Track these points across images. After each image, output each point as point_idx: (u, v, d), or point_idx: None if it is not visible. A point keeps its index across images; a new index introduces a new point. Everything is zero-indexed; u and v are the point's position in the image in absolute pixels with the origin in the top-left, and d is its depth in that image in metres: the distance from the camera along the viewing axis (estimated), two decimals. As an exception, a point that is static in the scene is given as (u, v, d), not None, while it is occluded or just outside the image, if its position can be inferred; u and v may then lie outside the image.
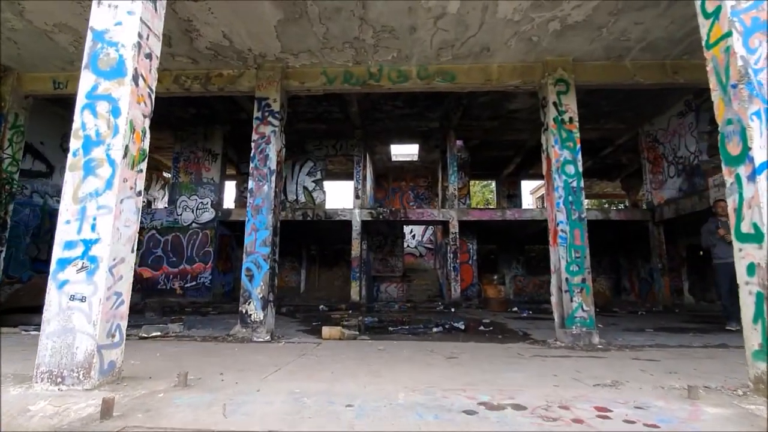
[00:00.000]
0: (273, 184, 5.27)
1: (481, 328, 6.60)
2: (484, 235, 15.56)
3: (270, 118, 5.44)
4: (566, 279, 4.84)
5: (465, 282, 14.29)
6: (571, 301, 4.78)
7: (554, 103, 5.31)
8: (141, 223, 13.52)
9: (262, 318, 4.98)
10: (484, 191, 27.09)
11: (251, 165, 5.37)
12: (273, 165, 5.32)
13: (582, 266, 4.88)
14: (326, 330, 5.27)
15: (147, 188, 17.73)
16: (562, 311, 4.90)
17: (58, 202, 12.01)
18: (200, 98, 13.37)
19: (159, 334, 5.07)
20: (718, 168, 11.82)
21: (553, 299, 5.06)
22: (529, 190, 23.30)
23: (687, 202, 11.88)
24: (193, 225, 13.88)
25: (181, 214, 13.94)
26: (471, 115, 13.87)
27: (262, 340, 4.79)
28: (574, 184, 5.07)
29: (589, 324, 4.75)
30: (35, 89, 6.10)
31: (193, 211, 13.96)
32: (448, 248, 14.16)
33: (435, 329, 6.15)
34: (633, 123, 14.07)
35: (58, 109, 13.75)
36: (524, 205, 20.37)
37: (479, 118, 14.05)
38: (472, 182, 21.25)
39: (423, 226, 20.16)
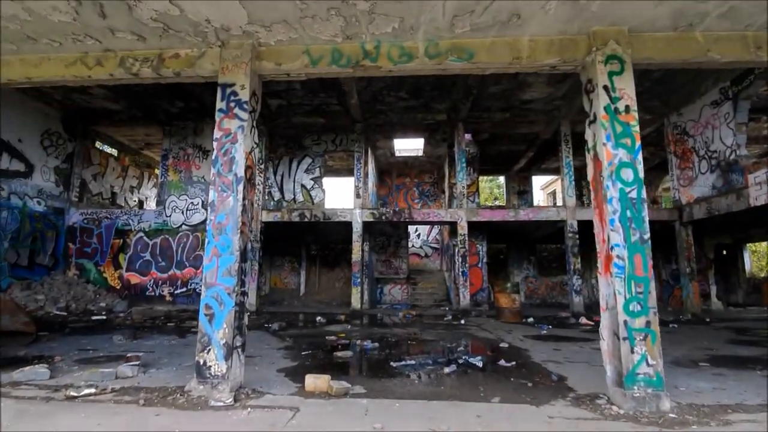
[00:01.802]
0: (240, 196, 3.98)
1: (502, 363, 5.32)
2: (494, 234, 14.24)
3: (237, 110, 4.14)
4: (624, 322, 3.54)
5: (474, 287, 13.02)
6: (632, 351, 3.49)
7: (605, 87, 3.96)
8: (128, 225, 12.27)
9: (224, 371, 3.74)
10: (491, 186, 25.64)
11: (212, 170, 4.07)
12: (240, 170, 4.03)
13: (646, 305, 3.58)
14: (311, 381, 4.02)
15: (138, 187, 16.52)
16: (617, 364, 3.60)
17: (40, 203, 10.69)
18: (187, 90, 12.13)
19: (93, 391, 3.84)
20: (759, 163, 10.41)
21: (604, 345, 3.76)
22: (539, 185, 21.83)
23: (722, 201, 10.47)
24: (183, 227, 12.68)
25: (170, 216, 12.74)
26: (481, 106, 12.48)
27: (222, 403, 3.56)
28: (634, 194, 3.74)
29: (657, 384, 3.46)
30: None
31: (182, 212, 12.74)
32: (456, 250, 12.86)
33: (448, 369, 4.88)
34: (659, 113, 12.61)
35: (40, 104, 12.55)
36: (535, 201, 18.96)
37: (490, 110, 12.66)
38: (480, 178, 19.86)
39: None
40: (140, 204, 16.21)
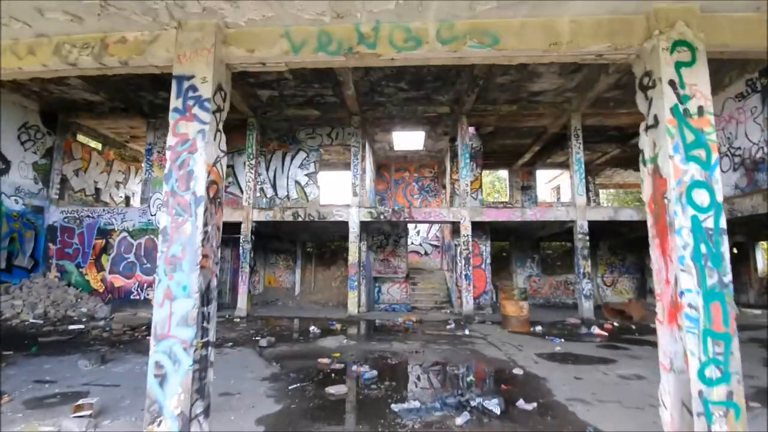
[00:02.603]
0: (201, 221, 3.04)
1: (521, 405, 4.45)
2: (496, 231, 13.35)
3: (197, 110, 3.17)
4: (699, 392, 2.66)
5: (477, 289, 12.16)
6: (709, 430, 2.63)
7: (671, 83, 3.01)
8: (111, 224, 11.29)
9: (179, 450, 2.85)
10: (492, 179, 24.65)
11: (165, 187, 3.13)
12: (201, 188, 3.08)
13: (727, 369, 2.70)
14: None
15: (124, 182, 15.48)
16: (687, 444, 2.72)
17: (17, 201, 9.57)
18: (170, 80, 10.98)
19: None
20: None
21: (665, 416, 2.88)
22: (543, 180, 20.87)
23: (745, 201, 9.57)
24: (169, 226, 11.67)
25: (155, 214, 11.77)
26: (486, 99, 11.46)
27: (173, 498, 2.69)
28: (710, 222, 2.83)
29: (742, 474, 2.60)
30: None
31: (168, 211, 11.72)
32: (458, 251, 11.97)
33: (460, 420, 4.01)
34: (675, 107, 11.56)
35: (17, 96, 11.45)
36: (540, 197, 18.03)
37: (496, 102, 11.65)
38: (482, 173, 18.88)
39: (428, 219, 17.95)
40: (127, 200, 15.21)
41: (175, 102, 3.23)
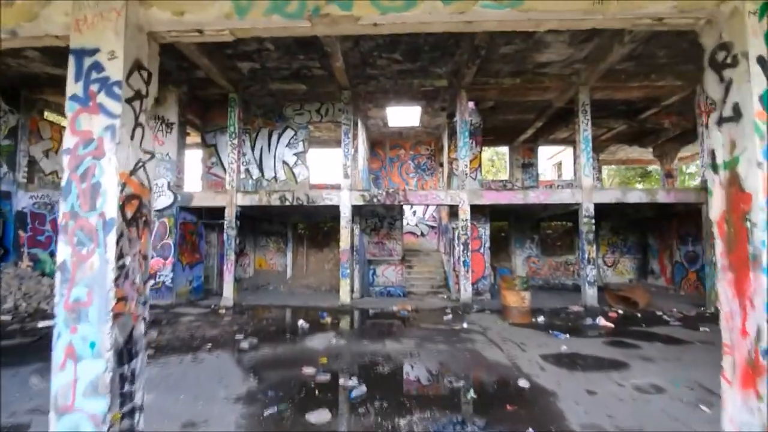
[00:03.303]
0: (113, 253, 2.21)
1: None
2: (495, 212, 12.54)
3: (103, 98, 2.27)
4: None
5: (475, 274, 11.47)
6: None
7: (761, 60, 2.13)
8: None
9: None
10: (491, 154, 23.60)
11: (61, 206, 2.26)
12: (112, 207, 2.22)
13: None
14: None
15: (103, 161, 14.42)
16: None
17: None
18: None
19: None
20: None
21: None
22: (544, 156, 19.90)
23: (765, 184, 8.77)
24: (148, 212, 10.78)
25: (132, 199, 10.79)
26: (488, 71, 10.38)
27: None
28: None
29: None
30: None
31: (146, 195, 10.79)
32: (456, 235, 11.22)
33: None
34: (691, 80, 10.58)
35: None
36: (541, 174, 17.12)
37: (498, 74, 10.57)
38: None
39: (424, 198, 17.07)
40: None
41: (72, 87, 2.31)
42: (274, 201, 10.62)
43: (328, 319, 8.90)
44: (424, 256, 14.50)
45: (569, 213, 12.30)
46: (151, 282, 10.66)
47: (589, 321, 8.81)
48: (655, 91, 11.52)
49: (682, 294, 13.05)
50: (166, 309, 10.19)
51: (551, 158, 20.19)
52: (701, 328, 8.29)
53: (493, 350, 6.71)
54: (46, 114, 12.16)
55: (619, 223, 14.94)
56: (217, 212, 10.98)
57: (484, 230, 11.89)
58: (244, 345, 6.77)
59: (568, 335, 7.62)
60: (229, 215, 10.65)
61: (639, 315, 9.67)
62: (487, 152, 23.30)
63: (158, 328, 8.17)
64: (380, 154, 16.34)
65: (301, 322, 8.43)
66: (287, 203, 10.59)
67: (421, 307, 10.61)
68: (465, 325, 8.48)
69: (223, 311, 9.98)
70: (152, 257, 10.73)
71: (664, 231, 14.10)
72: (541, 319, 8.98)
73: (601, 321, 8.65)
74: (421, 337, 7.60)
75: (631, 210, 13.00)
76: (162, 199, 10.77)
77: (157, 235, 10.73)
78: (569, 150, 17.18)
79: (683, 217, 13.22)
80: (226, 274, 10.62)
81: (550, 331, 7.89)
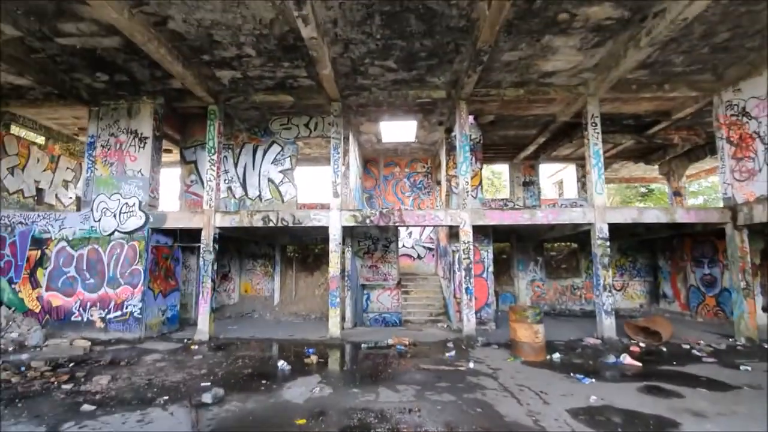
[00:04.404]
0: None
1: None
2: (495, 232, 11.39)
3: None
4: None
5: (478, 301, 10.24)
6: None
7: None
8: (47, 232, 9.06)
9: None
10: (487, 174, 22.62)
11: None
12: None
13: None
14: None
15: (75, 181, 13.19)
16: None
17: None
18: (110, 60, 8.74)
19: None
20: None
21: None
22: (545, 174, 18.93)
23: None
24: (116, 234, 9.59)
25: (99, 220, 9.63)
26: (489, 80, 9.43)
27: None
28: None
29: None
30: None
31: (115, 216, 9.63)
32: (457, 259, 10.03)
33: None
34: (707, 90, 9.66)
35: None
36: (543, 194, 16.06)
37: (500, 84, 9.62)
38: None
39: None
40: (78, 201, 12.94)
41: None
42: (257, 222, 9.42)
43: (314, 358, 7.57)
44: (422, 280, 13.25)
45: (574, 233, 11.19)
46: (117, 313, 9.34)
47: (611, 359, 7.53)
48: (666, 103, 10.61)
49: (699, 321, 11.85)
50: (131, 344, 8.82)
51: (551, 176, 19.22)
52: (741, 367, 7.06)
53: (509, 403, 5.41)
54: (13, 128, 11.02)
55: (627, 243, 13.83)
56: (197, 234, 9.76)
57: (487, 253, 10.72)
58: (207, 398, 5.43)
59: (593, 379, 6.34)
60: (206, 237, 9.41)
61: (664, 349, 8.44)
62: (485, 171, 22.33)
63: (113, 371, 6.82)
64: (374, 173, 15.27)
65: (281, 364, 7.09)
66: (271, 224, 9.39)
67: (420, 339, 9.30)
68: (471, 365, 7.18)
69: (196, 347, 8.62)
70: (119, 285, 9.42)
71: (675, 252, 12.99)
72: (557, 356, 7.71)
73: (626, 359, 7.40)
74: (421, 382, 6.29)
75: (642, 229, 11.91)
76: (132, 221, 9.54)
77: (126, 260, 9.45)
78: (571, 168, 16.23)
79: (697, 237, 12.14)
80: (202, 303, 9.31)
81: (572, 374, 6.62)
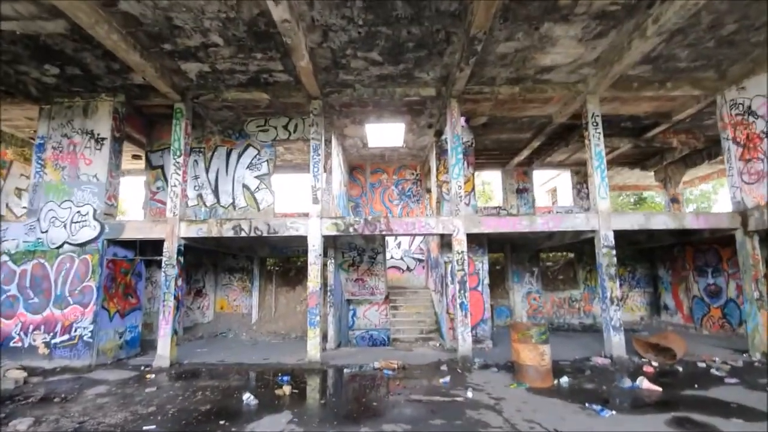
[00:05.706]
0: None
1: None
2: (489, 242, 10.43)
3: None
4: None
5: (474, 317, 9.20)
6: None
7: None
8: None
9: None
10: (478, 181, 21.82)
11: None
12: None
13: None
14: None
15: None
16: None
17: None
18: (57, 49, 7.61)
19: None
20: None
21: None
22: (539, 181, 18.16)
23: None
24: (66, 247, 8.34)
25: (47, 231, 8.38)
26: (483, 76, 8.57)
27: None
28: None
29: None
30: None
31: (65, 226, 8.40)
32: (450, 271, 9.02)
33: None
34: (710, 88, 8.97)
35: None
36: (537, 201, 15.23)
37: (494, 81, 8.77)
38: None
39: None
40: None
41: None
42: (227, 232, 8.29)
43: (287, 389, 6.38)
44: (412, 294, 12.17)
45: (572, 242, 10.31)
46: (64, 337, 8.03)
47: (627, 383, 6.53)
48: (667, 104, 9.90)
49: (705, 333, 10.99)
50: (78, 374, 7.51)
51: (544, 184, 18.48)
52: (769, 389, 6.12)
53: (520, 450, 4.34)
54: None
55: (625, 252, 13.01)
56: (162, 246, 8.56)
57: (482, 264, 9.74)
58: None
59: (613, 411, 5.31)
60: (169, 250, 8.23)
61: (680, 368, 7.48)
62: (477, 179, 21.53)
63: (41, 411, 5.55)
64: (360, 180, 14.28)
65: (247, 398, 5.90)
66: (243, 234, 8.27)
67: (410, 361, 8.19)
68: (470, 394, 6.10)
69: (152, 376, 7.36)
70: (68, 305, 8.14)
71: (676, 261, 12.19)
72: (564, 380, 6.68)
73: (644, 383, 6.39)
74: (411, 419, 5.18)
75: (643, 237, 11.10)
76: (85, 231, 8.32)
77: (76, 276, 8.20)
78: (565, 174, 15.48)
79: (699, 245, 11.37)
80: (163, 325, 8.07)
81: (586, 404, 5.58)
